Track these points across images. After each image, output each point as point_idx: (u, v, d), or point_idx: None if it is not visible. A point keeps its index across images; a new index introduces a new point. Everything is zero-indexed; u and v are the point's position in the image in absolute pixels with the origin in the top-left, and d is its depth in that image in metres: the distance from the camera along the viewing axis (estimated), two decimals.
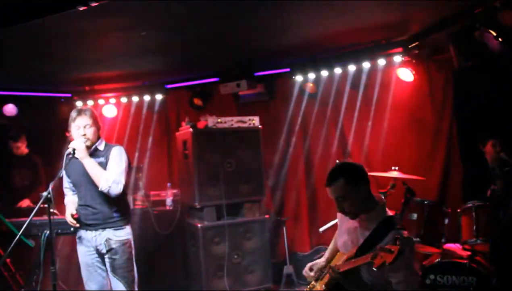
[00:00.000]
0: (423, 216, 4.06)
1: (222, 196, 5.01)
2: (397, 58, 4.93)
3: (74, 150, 3.31)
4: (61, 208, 3.71)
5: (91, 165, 3.40)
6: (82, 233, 3.59)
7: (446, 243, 4.13)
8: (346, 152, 5.69)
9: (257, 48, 4.97)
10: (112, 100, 6.15)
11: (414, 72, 4.95)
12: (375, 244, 2.44)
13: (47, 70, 5.07)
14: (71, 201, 3.66)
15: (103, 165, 3.49)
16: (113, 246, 3.50)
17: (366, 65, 5.17)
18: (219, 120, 5.10)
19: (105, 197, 3.47)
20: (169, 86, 6.12)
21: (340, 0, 3.63)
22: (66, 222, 3.60)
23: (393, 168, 4.30)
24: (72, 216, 3.51)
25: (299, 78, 5.56)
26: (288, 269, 5.45)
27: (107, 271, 3.57)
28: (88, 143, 3.46)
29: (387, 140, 5.33)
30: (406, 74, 5.01)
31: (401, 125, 5.35)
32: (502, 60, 4.14)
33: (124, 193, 3.56)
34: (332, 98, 5.69)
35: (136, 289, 3.62)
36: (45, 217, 3.55)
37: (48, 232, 3.60)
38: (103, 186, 3.40)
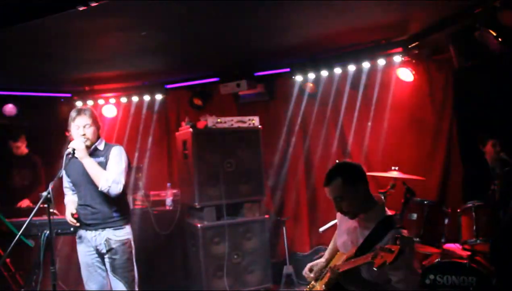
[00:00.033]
0: (423, 216, 4.05)
1: (222, 196, 5.01)
2: (397, 58, 4.93)
3: (73, 149, 3.31)
4: (61, 208, 3.71)
5: (90, 165, 3.40)
6: (82, 232, 3.59)
7: (446, 243, 4.12)
8: (346, 152, 5.69)
9: (257, 48, 4.97)
10: (112, 100, 6.15)
11: (414, 72, 4.95)
12: (374, 243, 2.44)
13: (47, 70, 5.07)
14: (71, 201, 3.66)
15: (103, 165, 3.49)
16: (113, 246, 3.50)
17: (366, 65, 5.17)
18: (219, 120, 5.09)
19: (105, 196, 3.47)
20: (169, 86, 6.12)
21: (340, 0, 3.63)
22: (66, 222, 3.60)
23: (393, 168, 4.30)
24: (72, 215, 3.51)
25: (299, 78, 5.56)
26: (288, 269, 5.45)
27: (107, 271, 3.57)
28: (88, 143, 3.46)
29: (387, 140, 5.33)
30: (406, 74, 5.01)
31: (401, 125, 5.35)
32: (502, 60, 4.14)
33: (124, 192, 3.56)
34: (332, 98, 5.69)
35: (136, 289, 3.62)
36: (45, 217, 3.55)
37: (48, 232, 3.61)
38: (103, 186, 3.40)
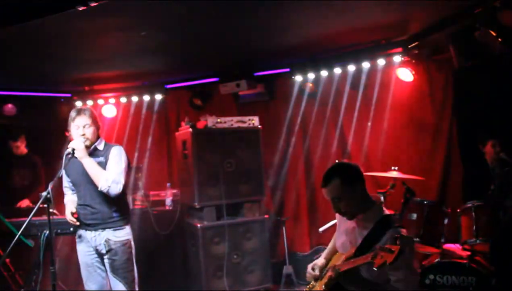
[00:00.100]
0: (423, 216, 4.05)
1: (222, 196, 5.00)
2: (397, 58, 4.93)
3: (73, 149, 3.31)
4: (61, 208, 3.71)
5: (90, 165, 3.40)
6: (82, 232, 3.59)
7: (446, 243, 4.12)
8: (345, 152, 5.69)
9: (257, 48, 4.97)
10: (112, 100, 6.15)
11: (414, 72, 4.95)
12: (373, 243, 2.43)
13: (47, 70, 5.07)
14: (70, 200, 3.66)
15: (103, 165, 3.49)
16: (113, 246, 3.49)
17: (366, 65, 5.17)
18: (218, 120, 5.09)
19: (105, 196, 3.47)
20: (169, 86, 6.12)
21: (340, 0, 3.63)
22: (65, 222, 3.60)
23: (392, 168, 4.30)
24: (72, 214, 3.50)
25: (299, 78, 5.56)
26: (287, 269, 5.45)
27: (106, 271, 3.57)
28: (88, 143, 3.46)
29: (387, 140, 5.33)
30: (406, 74, 5.01)
31: (401, 125, 5.35)
32: (502, 60, 4.14)
33: (123, 192, 3.56)
34: (332, 98, 5.69)
35: (136, 289, 3.62)
36: (45, 217, 3.55)
37: (47, 232, 3.61)
38: (102, 186, 3.39)
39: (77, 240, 3.63)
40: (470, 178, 4.86)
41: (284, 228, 5.59)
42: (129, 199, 5.20)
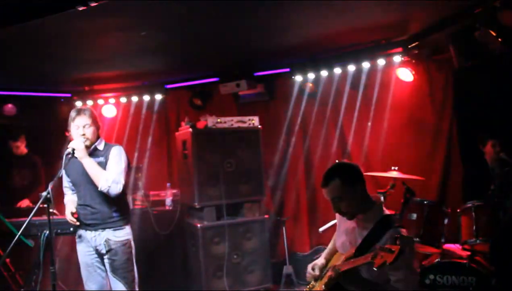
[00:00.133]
0: (423, 216, 4.05)
1: (222, 196, 5.00)
2: (397, 58, 4.93)
3: (73, 149, 3.31)
4: (61, 208, 3.71)
5: (90, 165, 3.40)
6: (82, 232, 3.59)
7: (446, 243, 4.12)
8: (345, 152, 5.69)
9: (257, 48, 4.97)
10: (112, 100, 6.15)
11: (414, 72, 4.95)
12: (373, 243, 2.44)
13: (47, 70, 5.07)
14: (70, 200, 3.66)
15: (103, 165, 3.49)
16: (113, 246, 3.49)
17: (366, 65, 5.17)
18: (218, 120, 5.09)
19: (105, 196, 3.47)
20: (169, 86, 6.12)
21: (340, 0, 3.63)
22: (65, 222, 3.60)
23: (392, 168, 4.30)
24: (72, 214, 3.50)
25: (299, 78, 5.56)
26: (287, 269, 5.45)
27: (106, 271, 3.57)
28: (88, 143, 3.46)
29: (387, 141, 5.33)
30: (406, 74, 5.01)
31: (401, 125, 5.35)
32: (502, 60, 4.14)
33: (123, 192, 3.56)
34: (332, 98, 5.69)
35: (136, 289, 3.62)
36: (45, 217, 3.55)
37: (47, 232, 3.60)
38: (102, 186, 3.40)
39: (77, 240, 3.63)
40: (470, 178, 4.86)
41: (284, 228, 5.59)
42: (129, 199, 5.20)
